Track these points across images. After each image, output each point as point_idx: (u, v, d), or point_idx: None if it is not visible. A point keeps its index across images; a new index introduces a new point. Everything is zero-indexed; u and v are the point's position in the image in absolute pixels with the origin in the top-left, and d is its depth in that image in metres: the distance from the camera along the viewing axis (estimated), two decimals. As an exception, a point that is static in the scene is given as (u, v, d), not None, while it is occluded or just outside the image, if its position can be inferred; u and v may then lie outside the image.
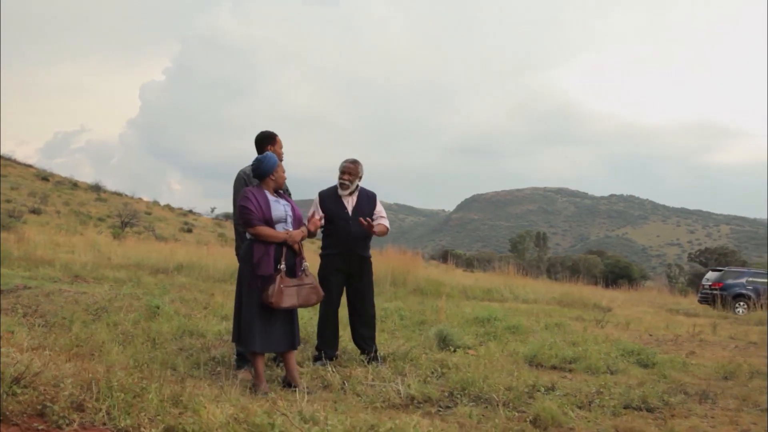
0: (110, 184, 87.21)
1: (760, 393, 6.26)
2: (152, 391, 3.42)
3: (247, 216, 4.65)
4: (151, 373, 4.17)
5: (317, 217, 5.56)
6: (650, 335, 11.79)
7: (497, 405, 4.63)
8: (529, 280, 33.25)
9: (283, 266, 4.61)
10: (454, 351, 6.98)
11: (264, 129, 5.55)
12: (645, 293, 36.48)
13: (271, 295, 4.48)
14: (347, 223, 6.08)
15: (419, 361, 6.04)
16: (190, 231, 50.46)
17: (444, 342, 7.22)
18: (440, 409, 4.59)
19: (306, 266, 4.80)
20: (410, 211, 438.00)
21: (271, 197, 4.79)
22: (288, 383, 4.75)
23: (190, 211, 67.54)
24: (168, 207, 65.83)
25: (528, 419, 4.38)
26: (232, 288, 14.14)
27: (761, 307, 21.49)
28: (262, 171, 4.79)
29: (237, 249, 5.31)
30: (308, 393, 4.57)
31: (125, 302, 8.23)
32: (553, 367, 6.83)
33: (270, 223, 4.66)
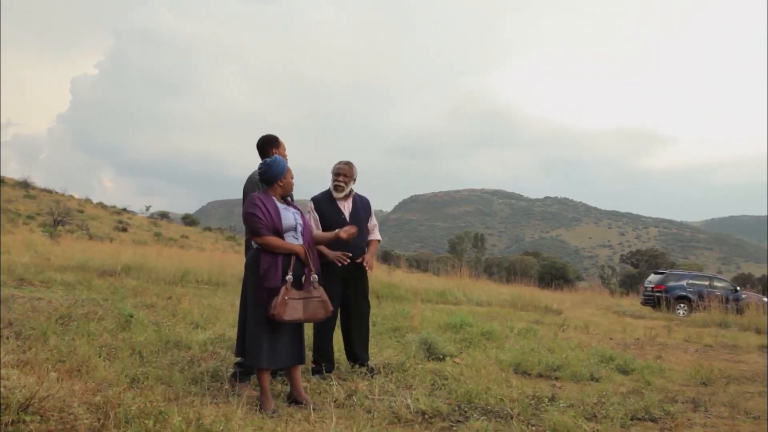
0: (39, 181, 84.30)
1: (745, 399, 6.32)
2: (175, 415, 3.14)
3: (254, 224, 4.37)
4: (165, 394, 3.87)
5: (315, 225, 5.35)
6: (611, 339, 11.91)
7: (510, 418, 4.50)
8: (476, 281, 33.56)
9: (289, 277, 4.34)
10: (442, 359, 6.84)
11: (260, 135, 5.27)
12: (587, 295, 37.20)
13: (273, 307, 4.22)
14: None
15: (415, 372, 5.86)
16: (125, 230, 49.17)
17: (429, 350, 7.07)
18: (452, 423, 4.43)
19: (315, 278, 4.52)
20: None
21: (280, 204, 4.51)
22: (294, 399, 4.50)
23: (125, 210, 65.81)
24: (101, 205, 64.01)
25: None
26: (185, 291, 13.73)
27: (702, 309, 22.20)
28: (271, 176, 4.51)
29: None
30: (315, 410, 4.35)
31: (87, 309, 7.79)
32: (540, 375, 6.76)
33: (279, 232, 4.39)
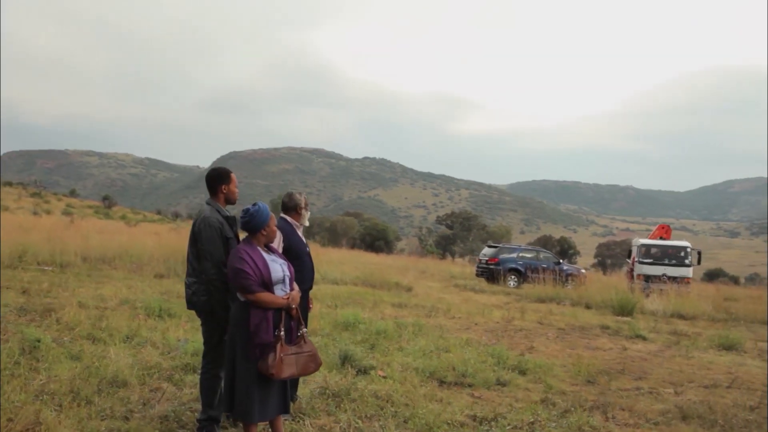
0: None
1: (633, 400, 7.08)
2: None
3: (244, 281, 4.17)
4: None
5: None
6: (476, 324, 12.66)
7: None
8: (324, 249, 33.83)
9: (282, 333, 4.24)
10: (366, 373, 6.99)
11: (217, 166, 5.02)
12: (421, 263, 38.67)
13: (272, 366, 4.12)
14: (310, 258, 5.75)
15: (356, 395, 5.95)
16: None
17: (347, 361, 7.18)
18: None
19: (304, 331, 4.44)
20: (163, 166, 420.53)
21: (266, 256, 4.35)
22: (274, 447, 4.44)
23: None
24: None
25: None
26: (32, 276, 12.75)
27: (532, 281, 24.08)
28: (255, 226, 4.33)
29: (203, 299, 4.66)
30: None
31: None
32: (456, 384, 7.12)
33: (269, 286, 4.22)
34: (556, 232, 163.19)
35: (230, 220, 4.78)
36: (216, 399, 4.63)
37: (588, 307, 18.39)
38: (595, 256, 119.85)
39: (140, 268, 16.50)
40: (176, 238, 23.08)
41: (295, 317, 4.37)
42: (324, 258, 27.72)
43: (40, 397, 4.87)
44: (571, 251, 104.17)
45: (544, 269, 24.39)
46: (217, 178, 4.91)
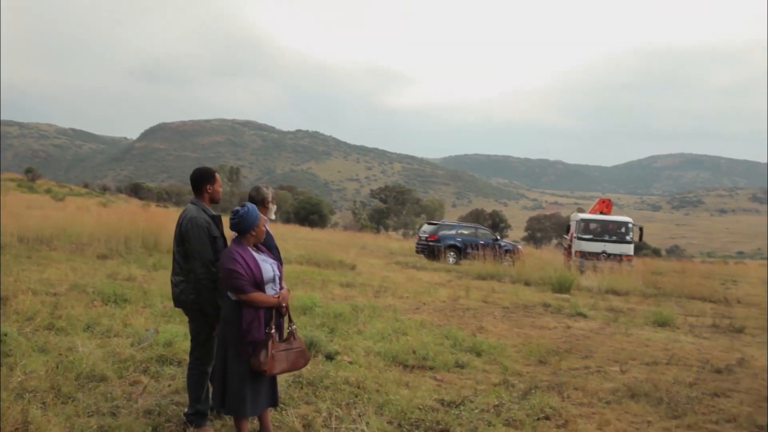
0: None
1: (585, 380, 7.49)
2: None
3: (237, 282, 4.26)
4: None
5: None
6: (424, 304, 12.98)
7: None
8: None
9: (274, 331, 4.37)
10: (333, 358, 7.17)
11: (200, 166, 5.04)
12: (358, 238, 38.87)
13: (264, 363, 4.24)
14: (278, 251, 5.84)
15: (329, 383, 6.13)
16: None
17: (312, 347, 7.33)
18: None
19: (294, 328, 4.57)
20: (88, 137, 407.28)
21: (257, 256, 4.45)
22: (264, 439, 4.58)
23: None
24: None
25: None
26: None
27: (472, 257, 24.64)
28: (245, 227, 4.41)
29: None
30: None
31: None
32: (418, 367, 7.37)
33: (261, 285, 4.34)
34: (488, 206, 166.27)
35: (216, 219, 4.85)
36: (203, 394, 4.74)
37: (527, 284, 18.98)
38: (526, 230, 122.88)
39: (81, 249, 16.17)
40: (114, 216, 22.56)
41: (284, 315, 4.50)
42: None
43: (23, 396, 4.87)
44: (502, 225, 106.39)
45: (482, 246, 24.85)
46: (202, 178, 4.96)
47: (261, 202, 5.66)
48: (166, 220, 19.67)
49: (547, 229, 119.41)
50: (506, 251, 26.34)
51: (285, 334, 4.52)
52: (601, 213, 27.61)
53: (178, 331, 7.20)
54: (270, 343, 4.29)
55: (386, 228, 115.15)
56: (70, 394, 5.03)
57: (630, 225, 25.73)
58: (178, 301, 4.80)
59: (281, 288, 4.54)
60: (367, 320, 9.75)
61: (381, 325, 9.37)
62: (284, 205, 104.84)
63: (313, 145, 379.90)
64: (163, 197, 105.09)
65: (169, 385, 5.59)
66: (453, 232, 27.60)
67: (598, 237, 25.38)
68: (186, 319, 8.08)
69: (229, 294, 4.35)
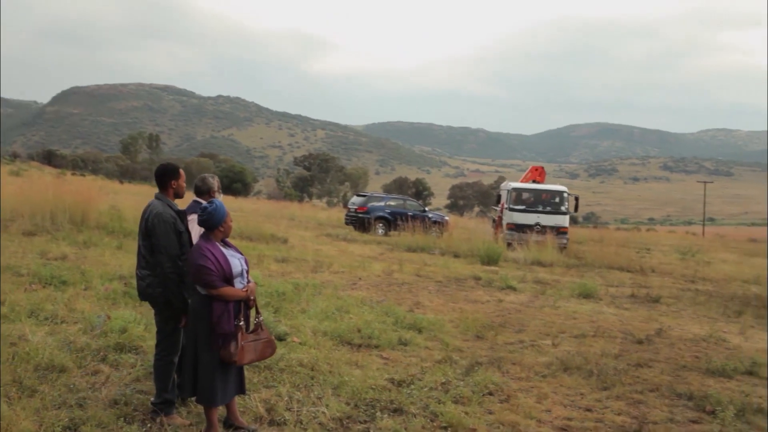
0: None
1: (521, 355, 7.94)
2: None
3: (207, 277, 4.39)
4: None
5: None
6: (360, 279, 13.27)
7: (411, 415, 5.37)
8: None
9: (242, 323, 4.54)
10: (283, 339, 7.37)
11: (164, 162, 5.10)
12: (284, 208, 38.76)
13: (234, 354, 4.41)
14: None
15: (284, 366, 6.33)
16: None
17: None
18: (364, 424, 5.11)
19: (261, 320, 4.75)
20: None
21: (225, 251, 4.57)
22: (231, 425, 4.76)
23: None
24: None
25: (441, 426, 5.21)
26: None
27: (399, 228, 25.11)
28: (214, 223, 4.53)
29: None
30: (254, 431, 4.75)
31: None
32: (365, 346, 7.64)
33: (230, 280, 4.48)
34: (411, 174, 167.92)
35: (181, 215, 4.96)
36: (170, 383, 4.89)
37: (456, 255, 19.54)
38: (449, 197, 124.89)
39: (5, 226, 15.67)
40: (35, 189, 21.73)
41: (252, 307, 4.68)
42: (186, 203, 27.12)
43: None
44: (425, 193, 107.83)
45: (410, 217, 25.29)
46: (166, 174, 5.04)
47: (207, 192, 5.76)
48: (93, 193, 19.19)
49: (469, 197, 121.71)
50: (434, 222, 26.90)
51: (252, 326, 4.70)
52: (534, 182, 26.22)
53: (129, 316, 7.24)
54: (239, 334, 4.48)
55: (310, 196, 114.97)
56: (33, 386, 5.06)
57: (565, 194, 24.19)
58: (144, 294, 4.91)
59: (248, 281, 4.72)
60: (310, 298, 9.96)
61: (324, 304, 9.59)
62: (206, 173, 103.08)
63: (235, 111, 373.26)
64: (78, 165, 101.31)
65: (129, 374, 5.69)
66: (382, 203, 27.96)
67: (531, 208, 23.80)
68: (135, 304, 8.18)
69: (199, 288, 4.50)
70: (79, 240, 14.39)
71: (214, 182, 5.84)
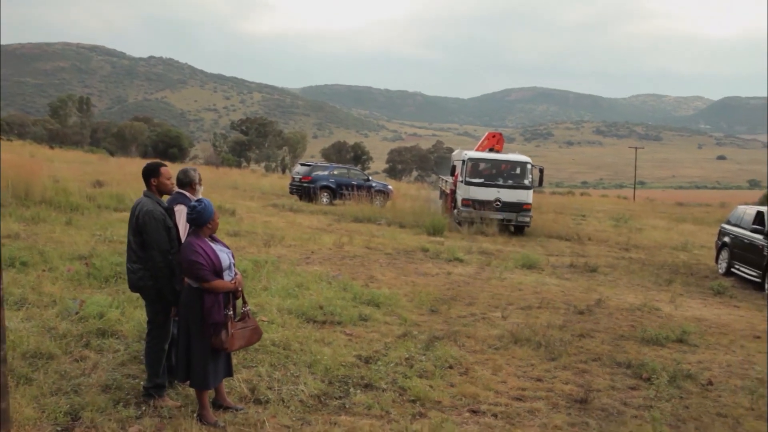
0: None
1: (474, 328, 8.48)
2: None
3: (199, 272, 4.71)
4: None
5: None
6: (313, 253, 13.62)
7: (380, 390, 5.83)
8: (106, 157, 32.22)
9: (231, 312, 4.88)
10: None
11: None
12: (224, 175, 38.45)
13: (225, 342, 4.76)
14: None
15: (257, 345, 6.67)
16: None
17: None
18: (340, 400, 5.55)
19: (247, 309, 5.09)
20: None
21: (214, 246, 4.88)
22: (219, 405, 5.13)
23: None
24: None
25: (409, 399, 5.70)
26: None
27: (344, 197, 25.48)
28: (203, 220, 4.82)
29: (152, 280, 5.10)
30: (240, 411, 5.13)
31: None
32: (329, 323, 8.04)
33: (220, 273, 4.80)
34: (349, 138, 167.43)
35: (169, 211, 5.24)
36: (161, 368, 5.22)
37: (402, 226, 20.00)
38: (387, 162, 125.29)
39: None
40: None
41: (239, 297, 5.04)
42: (126, 171, 26.73)
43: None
44: (364, 157, 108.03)
45: (355, 187, 25.69)
46: (146, 173, 5.31)
47: (189, 184, 6.00)
48: (35, 166, 18.90)
49: (407, 161, 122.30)
50: (378, 192, 27.33)
51: (239, 314, 5.06)
52: (491, 150, 23.69)
53: (103, 301, 7.44)
54: (229, 323, 4.84)
55: (248, 161, 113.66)
56: (27, 374, 5.30)
57: (529, 166, 21.34)
58: (136, 287, 5.19)
59: (236, 273, 5.06)
60: (270, 275, 10.28)
61: (283, 281, 9.92)
62: (140, 137, 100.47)
63: (168, 73, 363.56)
64: (4, 129, 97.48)
65: (114, 359, 5.96)
66: (326, 173, 28.18)
67: (490, 181, 20.86)
68: (101, 285, 8.40)
69: (190, 282, 4.83)
70: (26, 216, 14.22)
71: (196, 175, 6.08)
